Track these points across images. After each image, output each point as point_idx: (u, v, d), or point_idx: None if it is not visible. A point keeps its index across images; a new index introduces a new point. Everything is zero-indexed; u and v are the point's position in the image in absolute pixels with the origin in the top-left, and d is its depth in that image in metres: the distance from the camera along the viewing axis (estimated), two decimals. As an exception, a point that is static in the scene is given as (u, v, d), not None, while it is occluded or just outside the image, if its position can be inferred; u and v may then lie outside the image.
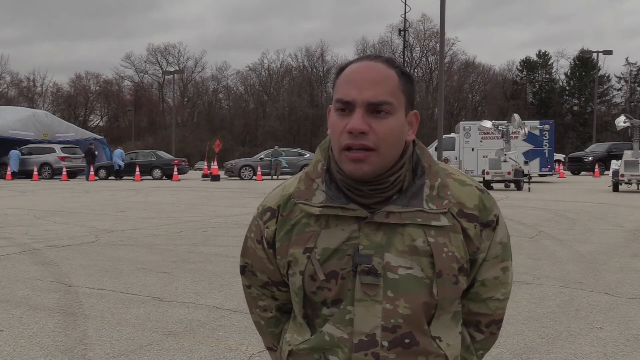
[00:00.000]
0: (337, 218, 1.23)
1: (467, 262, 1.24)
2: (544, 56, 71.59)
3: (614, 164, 17.87)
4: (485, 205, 1.26)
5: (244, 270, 1.42)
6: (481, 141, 24.79)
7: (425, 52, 72.69)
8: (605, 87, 67.42)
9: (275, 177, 27.73)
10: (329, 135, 1.26)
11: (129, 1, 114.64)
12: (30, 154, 30.42)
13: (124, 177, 29.68)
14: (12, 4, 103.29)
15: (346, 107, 1.19)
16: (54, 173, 29.62)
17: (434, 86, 64.63)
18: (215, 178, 26.82)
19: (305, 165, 28.35)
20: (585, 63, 66.58)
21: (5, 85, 75.78)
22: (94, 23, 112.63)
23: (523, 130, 20.73)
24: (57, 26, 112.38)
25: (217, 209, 12.72)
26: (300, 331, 1.30)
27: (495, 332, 1.36)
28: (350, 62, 1.24)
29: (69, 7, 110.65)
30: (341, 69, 1.24)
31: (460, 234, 1.22)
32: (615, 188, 17.10)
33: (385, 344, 1.19)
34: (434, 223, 1.20)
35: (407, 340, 1.19)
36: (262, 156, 29.00)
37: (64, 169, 28.52)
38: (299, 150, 32.40)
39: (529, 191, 17.77)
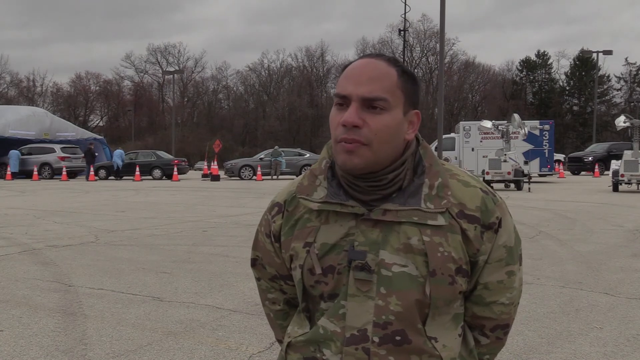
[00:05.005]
0: (336, 214, 1.25)
1: (466, 264, 1.23)
2: (543, 56, 71.59)
3: (614, 164, 17.86)
4: (487, 207, 1.24)
5: (254, 262, 1.46)
6: (481, 141, 24.81)
7: (425, 52, 72.74)
8: (605, 87, 67.41)
9: (275, 177, 27.73)
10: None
11: (139, 3, 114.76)
12: (30, 154, 30.43)
13: (124, 177, 29.68)
14: (23, 5, 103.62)
15: (343, 102, 1.21)
16: (54, 173, 29.64)
17: (434, 86, 64.55)
18: (215, 178, 26.82)
19: (306, 165, 28.53)
20: (585, 63, 66.55)
21: (5, 85, 75.83)
22: (109, 25, 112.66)
23: (523, 130, 20.73)
24: (68, 28, 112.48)
25: (217, 209, 12.72)
26: (301, 324, 1.33)
27: (501, 337, 1.35)
28: (354, 60, 1.27)
29: (82, 8, 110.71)
30: (345, 66, 1.27)
31: (458, 235, 1.21)
32: (615, 188, 17.09)
33: (376, 339, 1.20)
34: (430, 222, 1.20)
35: (398, 338, 1.20)
36: (262, 156, 29.01)
37: (64, 169, 28.54)
38: (298, 150, 32.36)
39: (529, 191, 17.77)
